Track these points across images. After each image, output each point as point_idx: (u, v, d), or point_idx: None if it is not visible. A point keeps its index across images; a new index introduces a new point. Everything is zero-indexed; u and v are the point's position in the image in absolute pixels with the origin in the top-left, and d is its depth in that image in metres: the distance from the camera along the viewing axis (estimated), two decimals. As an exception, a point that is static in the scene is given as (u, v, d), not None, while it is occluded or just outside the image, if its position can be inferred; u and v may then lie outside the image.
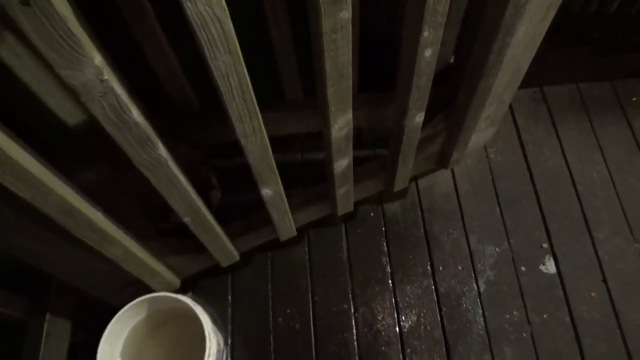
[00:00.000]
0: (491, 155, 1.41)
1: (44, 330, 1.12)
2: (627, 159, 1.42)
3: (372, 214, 1.35)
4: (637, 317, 1.21)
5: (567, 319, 1.21)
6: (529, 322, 1.20)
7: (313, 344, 1.20)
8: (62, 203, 0.67)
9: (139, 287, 1.07)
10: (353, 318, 1.23)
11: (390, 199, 1.36)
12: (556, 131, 1.46)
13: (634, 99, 1.51)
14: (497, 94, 1.00)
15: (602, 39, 1.52)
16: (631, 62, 1.55)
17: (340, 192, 1.07)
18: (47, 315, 1.14)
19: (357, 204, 1.30)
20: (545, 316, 1.21)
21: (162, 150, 0.69)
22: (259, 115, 0.70)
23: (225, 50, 0.57)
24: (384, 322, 1.22)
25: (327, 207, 1.16)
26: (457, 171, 1.39)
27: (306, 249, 1.31)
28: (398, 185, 1.19)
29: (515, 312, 1.22)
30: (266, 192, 0.92)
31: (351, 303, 1.24)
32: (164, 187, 0.77)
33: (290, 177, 0.98)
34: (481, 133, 1.20)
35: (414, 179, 1.38)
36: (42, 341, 1.11)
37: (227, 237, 1.05)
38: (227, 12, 0.53)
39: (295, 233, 1.15)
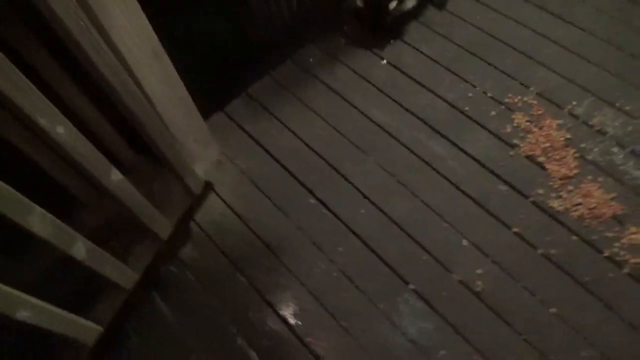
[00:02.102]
0: (237, 162, 1.62)
1: None
2: (333, 105, 1.74)
3: (169, 272, 1.43)
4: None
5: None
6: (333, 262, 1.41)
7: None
8: None
9: None
10: None
11: (181, 245, 1.47)
12: (275, 116, 1.72)
13: (311, 60, 1.86)
14: (172, 126, 1.18)
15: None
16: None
17: (106, 273, 1.15)
18: None
19: (151, 274, 1.39)
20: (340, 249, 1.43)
21: None
22: None
23: None
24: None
25: (116, 297, 1.23)
26: (219, 191, 1.56)
27: (130, 343, 1.36)
28: (163, 234, 1.31)
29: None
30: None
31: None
32: None
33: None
34: (204, 159, 1.39)
35: (189, 218, 1.51)
36: None
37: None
38: None
39: (103, 328, 1.20)
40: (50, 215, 0.94)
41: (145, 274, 1.32)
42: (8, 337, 1.12)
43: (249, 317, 1.35)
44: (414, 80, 1.78)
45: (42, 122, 0.87)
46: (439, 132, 1.64)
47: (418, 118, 1.68)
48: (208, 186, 1.54)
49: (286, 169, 1.60)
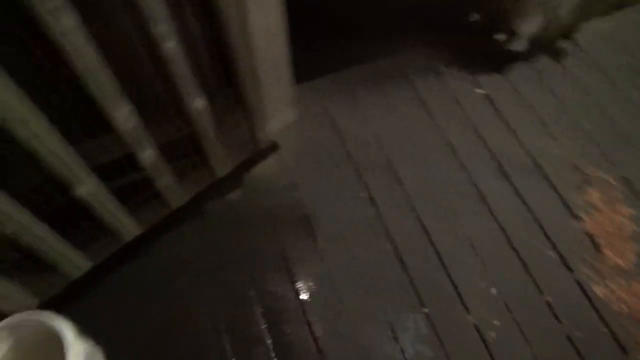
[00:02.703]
0: (309, 134, 1.66)
1: None
2: (414, 114, 1.74)
3: (217, 207, 1.51)
4: (445, 231, 1.47)
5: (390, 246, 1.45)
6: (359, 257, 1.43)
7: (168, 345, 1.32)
8: None
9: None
10: (214, 304, 1.36)
11: (231, 189, 1.53)
12: (359, 104, 1.74)
13: (412, 62, 1.87)
14: (266, 73, 1.23)
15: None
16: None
17: (162, 184, 1.23)
18: None
19: (197, 203, 1.47)
20: (372, 250, 1.44)
21: None
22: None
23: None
24: (240, 302, 1.37)
25: (159, 205, 1.31)
26: (282, 154, 1.61)
27: (160, 255, 1.43)
28: (220, 171, 1.37)
29: (347, 255, 1.43)
30: (82, 190, 1.06)
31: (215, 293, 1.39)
32: None
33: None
34: (280, 116, 1.43)
35: (246, 169, 1.57)
36: None
37: (68, 247, 1.16)
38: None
39: (139, 231, 1.29)
40: (135, 115, 1.02)
41: (192, 201, 1.40)
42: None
43: (266, 276, 1.39)
44: (502, 117, 1.75)
45: (160, 29, 0.94)
46: (507, 174, 1.61)
47: (491, 152, 1.65)
48: (272, 145, 1.59)
49: (350, 156, 1.62)
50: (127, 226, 1.26)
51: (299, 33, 1.28)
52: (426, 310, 1.34)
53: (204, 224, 1.48)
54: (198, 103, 1.13)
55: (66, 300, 1.23)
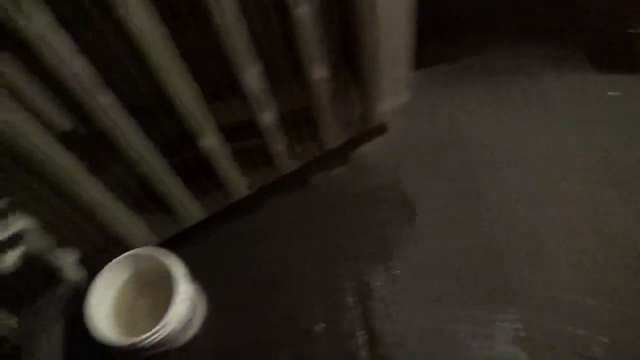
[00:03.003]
0: (418, 121, 1.65)
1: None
2: (534, 113, 1.64)
3: (319, 180, 1.57)
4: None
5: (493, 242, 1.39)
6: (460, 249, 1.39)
7: (276, 298, 1.39)
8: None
9: (120, 247, 1.29)
10: (306, 268, 1.42)
11: (335, 165, 1.58)
12: (474, 98, 1.68)
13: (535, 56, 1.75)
14: (387, 55, 1.24)
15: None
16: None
17: (276, 148, 1.30)
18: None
19: (303, 173, 1.54)
20: (473, 241, 1.39)
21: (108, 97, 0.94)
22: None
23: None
24: (340, 278, 1.40)
25: (270, 168, 1.39)
26: (389, 137, 1.62)
27: (264, 215, 1.53)
28: (329, 145, 1.41)
29: (450, 244, 1.40)
30: (206, 143, 1.16)
31: (305, 254, 1.44)
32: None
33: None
34: (393, 97, 1.43)
35: (353, 146, 1.60)
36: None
37: (188, 195, 1.28)
38: None
39: (247, 192, 1.38)
40: (262, 77, 1.09)
41: (299, 171, 1.46)
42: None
43: (362, 253, 1.42)
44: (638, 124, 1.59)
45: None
46: (629, 189, 1.46)
47: (614, 162, 1.51)
48: (381, 126, 1.60)
49: (459, 148, 1.57)
50: (239, 185, 1.35)
51: (422, 20, 1.27)
52: (518, 314, 1.27)
53: (307, 194, 1.54)
54: (320, 73, 1.17)
55: (178, 244, 1.35)
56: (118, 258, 1.29)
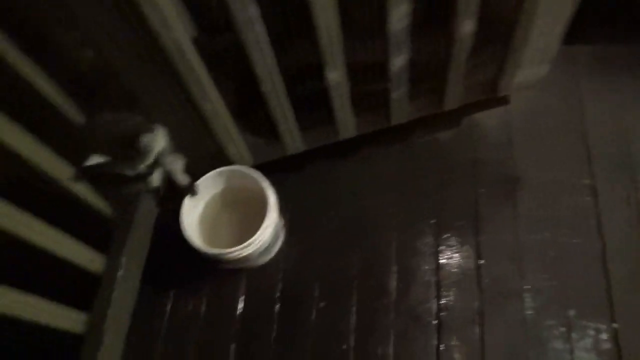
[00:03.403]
0: (547, 100, 1.51)
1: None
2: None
3: (424, 139, 1.50)
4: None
5: (598, 244, 1.29)
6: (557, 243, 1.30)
7: (358, 241, 1.38)
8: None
9: (218, 161, 1.31)
10: (396, 220, 1.39)
11: (444, 127, 1.50)
12: (616, 89, 1.51)
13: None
14: (545, 16, 1.12)
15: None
16: None
17: (394, 96, 1.24)
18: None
19: (408, 130, 1.47)
20: (574, 240, 1.29)
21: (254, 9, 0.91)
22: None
23: None
24: (422, 237, 1.37)
25: (381, 116, 1.33)
26: (510, 110, 1.50)
27: (360, 162, 1.50)
28: (448, 105, 1.33)
29: (546, 233, 1.31)
30: (332, 76, 1.12)
31: (397, 212, 1.41)
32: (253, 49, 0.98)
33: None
34: (532, 69, 1.31)
35: (468, 112, 1.51)
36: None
37: (296, 124, 1.26)
38: None
39: (355, 133, 1.34)
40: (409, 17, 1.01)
41: (408, 124, 1.40)
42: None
43: (451, 223, 1.37)
44: None
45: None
46: None
47: None
48: (504, 97, 1.49)
49: (585, 137, 1.43)
50: (348, 125, 1.32)
51: None
52: (616, 325, 1.19)
53: (410, 150, 1.49)
54: (467, 26, 1.07)
55: (271, 170, 1.35)
56: (216, 170, 1.32)
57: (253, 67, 1.03)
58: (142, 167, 1.17)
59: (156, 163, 1.20)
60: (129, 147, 1.14)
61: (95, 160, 1.12)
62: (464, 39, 1.10)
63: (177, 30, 0.89)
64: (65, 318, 1.11)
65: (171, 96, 1.06)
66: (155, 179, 1.22)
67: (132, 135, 1.11)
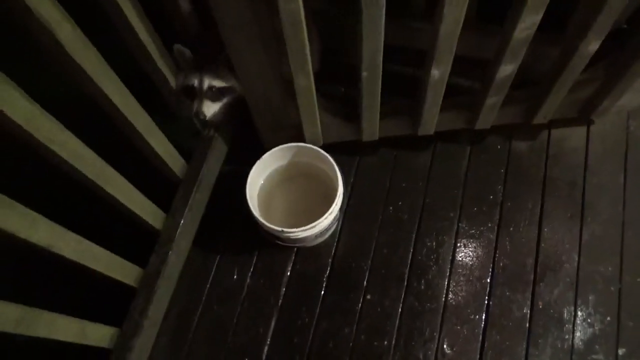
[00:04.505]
0: (631, 128, 1.44)
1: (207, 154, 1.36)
2: None
3: (499, 146, 1.45)
4: None
5: (660, 288, 1.25)
6: (620, 281, 1.27)
7: (414, 235, 1.36)
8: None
9: (291, 135, 1.27)
10: (455, 225, 1.36)
11: (520, 138, 1.45)
12: None
13: None
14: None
15: None
16: None
17: (489, 101, 1.18)
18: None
19: (486, 134, 1.42)
20: (638, 279, 1.26)
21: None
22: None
23: None
24: (481, 239, 1.34)
25: (467, 117, 1.28)
26: (593, 131, 1.44)
27: (430, 157, 1.45)
28: (539, 118, 1.27)
29: (609, 268, 1.28)
30: (435, 73, 1.05)
31: (457, 212, 1.37)
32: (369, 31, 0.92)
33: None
34: (635, 95, 1.24)
35: (548, 127, 1.45)
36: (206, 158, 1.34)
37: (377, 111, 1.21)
38: None
39: (433, 131, 1.29)
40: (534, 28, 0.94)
41: (488, 130, 1.35)
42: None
43: (514, 221, 1.35)
44: None
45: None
46: None
47: None
48: (589, 119, 1.42)
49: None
50: (430, 122, 1.26)
51: None
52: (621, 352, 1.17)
53: (483, 155, 1.44)
54: (593, 46, 1.00)
55: (339, 152, 1.31)
56: (287, 145, 1.28)
57: (360, 44, 0.96)
58: (208, 81, 1.20)
59: (220, 93, 1.23)
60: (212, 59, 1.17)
61: (180, 48, 1.17)
62: (586, 56, 1.03)
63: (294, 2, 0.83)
64: (122, 269, 1.10)
65: (266, 63, 1.00)
66: (209, 108, 1.24)
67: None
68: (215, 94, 1.22)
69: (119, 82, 0.96)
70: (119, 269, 1.09)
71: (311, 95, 1.10)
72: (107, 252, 1.04)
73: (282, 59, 1.00)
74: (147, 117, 1.07)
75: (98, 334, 1.04)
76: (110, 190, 0.98)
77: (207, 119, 1.23)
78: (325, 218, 1.18)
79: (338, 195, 1.21)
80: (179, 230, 1.22)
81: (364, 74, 1.03)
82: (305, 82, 1.05)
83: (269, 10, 0.89)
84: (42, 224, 0.82)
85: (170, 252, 1.19)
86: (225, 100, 1.26)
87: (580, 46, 0.99)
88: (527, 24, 0.93)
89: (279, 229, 1.17)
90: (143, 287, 1.15)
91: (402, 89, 1.25)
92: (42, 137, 0.78)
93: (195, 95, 1.22)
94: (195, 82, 1.20)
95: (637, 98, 1.24)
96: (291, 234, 1.19)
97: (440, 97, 1.15)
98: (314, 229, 1.19)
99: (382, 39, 0.95)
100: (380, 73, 1.05)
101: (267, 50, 0.98)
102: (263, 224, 1.19)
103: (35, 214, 0.80)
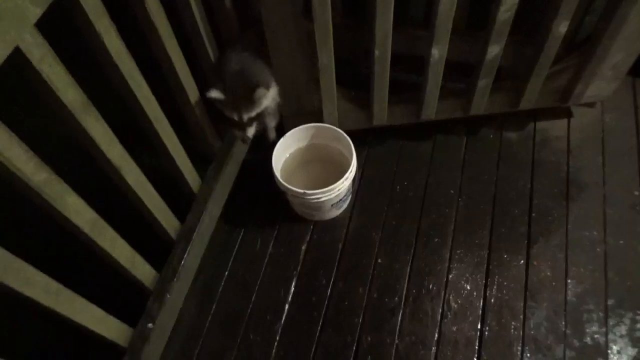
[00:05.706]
0: (607, 119, 1.65)
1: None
2: None
3: (491, 136, 1.65)
4: None
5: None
6: (605, 242, 1.41)
7: (420, 209, 1.52)
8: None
9: (310, 121, 1.46)
10: (456, 200, 1.52)
11: (510, 129, 1.65)
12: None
13: None
14: (629, 36, 1.27)
15: None
16: None
17: (481, 83, 1.39)
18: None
19: (480, 126, 1.63)
20: (621, 242, 1.41)
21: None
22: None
23: None
24: (478, 211, 1.50)
25: (462, 105, 1.49)
26: (573, 124, 1.65)
27: (431, 146, 1.65)
28: (524, 103, 1.48)
29: (594, 232, 1.43)
30: (435, 52, 1.27)
31: (457, 190, 1.54)
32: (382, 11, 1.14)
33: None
34: (603, 84, 1.46)
35: (534, 119, 1.66)
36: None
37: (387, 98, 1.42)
38: None
39: (434, 115, 1.49)
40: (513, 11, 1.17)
41: (479, 117, 1.55)
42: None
43: (506, 209, 1.50)
44: None
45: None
46: None
47: None
48: (567, 110, 1.64)
49: (630, 159, 1.57)
50: (431, 106, 1.47)
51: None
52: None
53: (479, 143, 1.64)
54: (562, 28, 1.23)
55: (354, 139, 1.50)
56: (306, 125, 1.47)
57: (372, 27, 1.18)
58: (246, 115, 1.35)
59: (258, 116, 1.38)
60: (243, 96, 1.31)
61: (214, 94, 1.29)
62: (557, 37, 1.26)
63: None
64: (166, 219, 1.25)
65: (295, 45, 1.22)
66: (251, 131, 1.39)
67: (250, 86, 1.29)
68: (252, 120, 1.40)
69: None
70: (165, 218, 1.24)
71: (331, 72, 1.31)
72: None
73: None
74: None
75: (143, 271, 1.17)
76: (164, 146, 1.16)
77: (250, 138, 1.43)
78: (342, 183, 1.35)
79: (352, 164, 1.38)
80: (211, 195, 1.38)
81: (376, 52, 1.25)
82: (327, 60, 1.26)
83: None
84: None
85: (204, 213, 1.35)
86: (260, 118, 1.45)
87: (552, 27, 1.22)
88: (508, 5, 1.16)
89: (302, 191, 1.34)
90: (181, 239, 1.30)
91: (405, 92, 1.48)
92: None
93: (236, 124, 1.40)
94: (235, 117, 1.37)
95: (608, 87, 1.46)
96: (312, 197, 1.35)
97: (440, 77, 1.36)
98: (332, 192, 1.35)
99: (392, 21, 1.18)
100: (390, 55, 1.27)
101: (299, 41, 1.20)
102: (288, 188, 1.35)
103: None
